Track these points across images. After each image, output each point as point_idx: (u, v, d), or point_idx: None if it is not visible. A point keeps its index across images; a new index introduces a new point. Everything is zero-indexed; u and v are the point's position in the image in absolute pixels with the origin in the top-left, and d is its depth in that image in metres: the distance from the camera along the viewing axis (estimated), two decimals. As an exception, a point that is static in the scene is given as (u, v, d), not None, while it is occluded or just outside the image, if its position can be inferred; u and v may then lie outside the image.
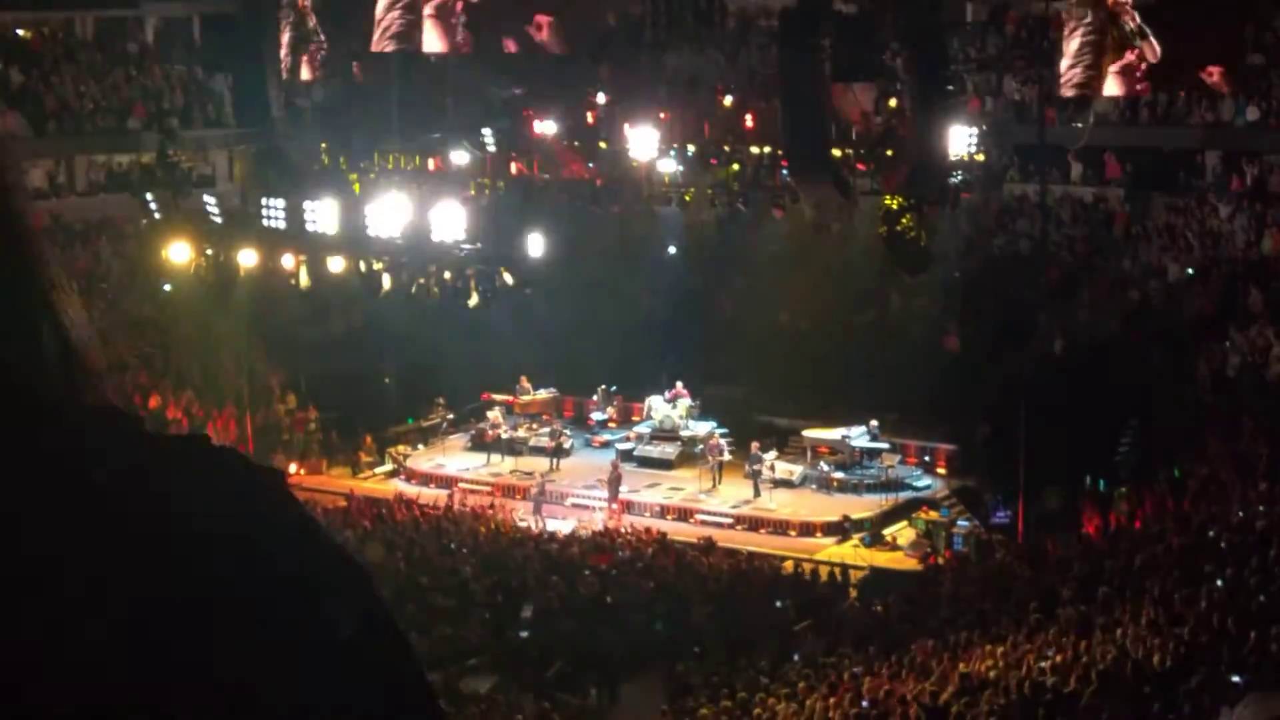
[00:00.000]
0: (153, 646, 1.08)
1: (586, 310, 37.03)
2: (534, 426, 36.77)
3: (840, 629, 24.50)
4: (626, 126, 35.33)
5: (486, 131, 36.51)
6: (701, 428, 35.00)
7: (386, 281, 34.34)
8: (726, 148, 36.13)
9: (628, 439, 35.85)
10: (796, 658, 22.94)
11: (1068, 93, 29.69)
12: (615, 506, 32.67)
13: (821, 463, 33.59)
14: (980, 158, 34.91)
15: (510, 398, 37.84)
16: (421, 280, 33.88)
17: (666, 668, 23.70)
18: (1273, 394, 30.14)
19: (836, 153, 31.36)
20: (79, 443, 1.16)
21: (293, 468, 35.36)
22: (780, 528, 31.60)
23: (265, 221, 34.11)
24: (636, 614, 25.90)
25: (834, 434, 33.80)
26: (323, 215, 33.11)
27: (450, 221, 32.32)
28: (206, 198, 36.89)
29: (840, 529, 31.06)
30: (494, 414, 36.77)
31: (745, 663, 22.86)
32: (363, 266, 34.05)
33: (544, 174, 37.64)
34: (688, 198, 35.86)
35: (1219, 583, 19.01)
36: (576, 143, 37.65)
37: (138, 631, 1.08)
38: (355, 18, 34.25)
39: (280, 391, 37.31)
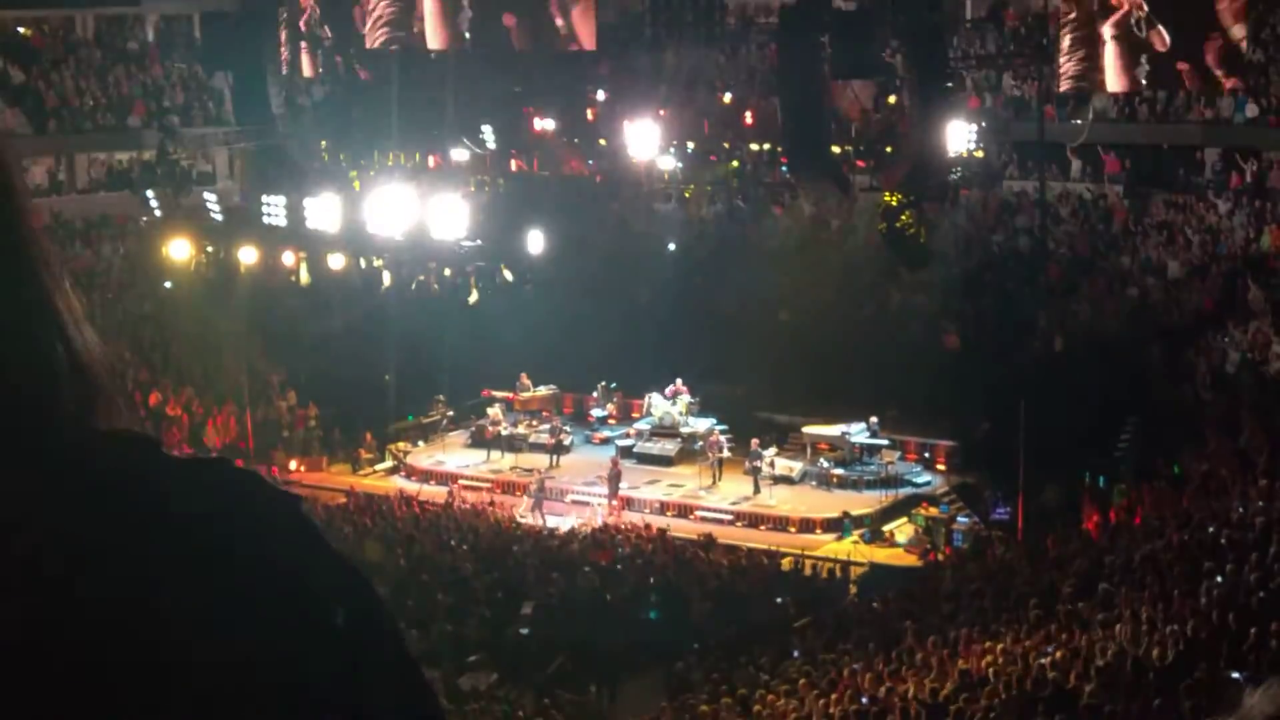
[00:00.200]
0: (165, 666, 1.09)
1: (586, 307, 37.03)
2: (534, 423, 36.76)
3: (840, 625, 24.49)
4: (626, 123, 35.34)
5: (486, 129, 36.51)
6: (701, 424, 35.00)
7: (386, 278, 34.41)
8: (726, 145, 36.18)
9: (628, 435, 35.85)
10: (796, 654, 22.94)
11: (1065, 86, 29.70)
12: (615, 503, 32.68)
13: (821, 459, 33.59)
14: (979, 154, 34.95)
15: (510, 394, 37.83)
16: (421, 277, 33.95)
17: (666, 664, 23.71)
18: (1272, 390, 30.15)
19: (836, 150, 31.41)
20: (92, 471, 1.16)
21: (293, 465, 35.40)
22: (780, 524, 31.60)
23: (265, 219, 34.16)
24: (636, 611, 25.93)
25: (834, 430, 33.80)
26: (323, 212, 33.15)
27: (450, 218, 32.35)
28: (207, 195, 36.94)
29: (839, 525, 31.06)
30: (494, 411, 36.77)
31: (745, 659, 22.86)
32: (363, 263, 34.12)
33: (544, 171, 37.65)
34: (687, 194, 35.92)
35: (1219, 579, 19.01)
36: (576, 140, 37.66)
37: (149, 647, 1.09)
38: (347, 15, 34.32)
39: (280, 388, 37.33)
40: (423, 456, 36.64)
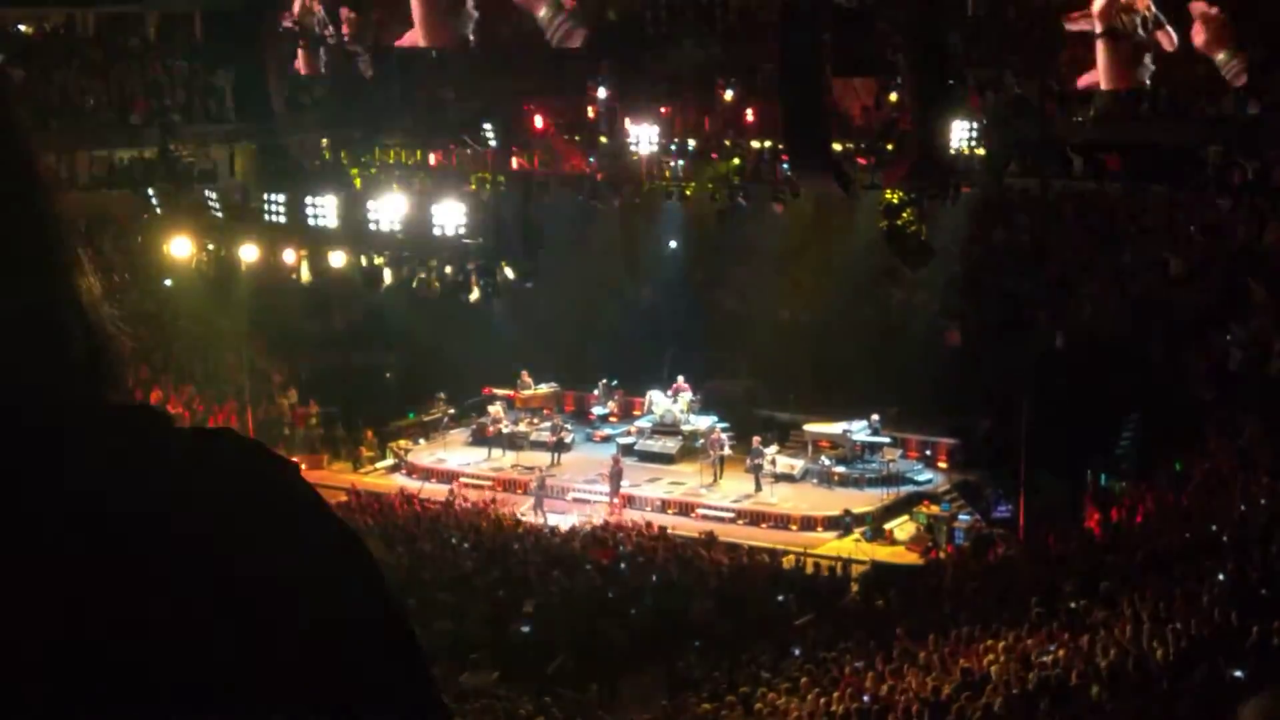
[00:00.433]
0: (177, 642, 1.12)
1: (587, 305, 37.04)
2: (535, 421, 36.77)
3: (841, 624, 24.49)
4: (627, 121, 35.30)
5: (487, 126, 36.48)
6: (702, 422, 35.00)
7: (387, 276, 34.36)
8: (727, 142, 36.11)
9: (629, 433, 35.85)
10: (798, 652, 22.95)
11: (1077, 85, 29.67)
12: (616, 501, 32.68)
13: (823, 457, 33.59)
14: (980, 152, 34.88)
15: (511, 392, 37.84)
16: (422, 275, 33.90)
17: (667, 663, 23.71)
18: (1274, 388, 30.12)
19: (837, 147, 31.35)
20: (106, 442, 1.19)
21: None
22: (781, 522, 31.60)
23: (266, 216, 34.14)
24: (637, 609, 25.93)
25: (835, 428, 33.80)
26: (324, 210, 33.14)
27: (451, 216, 32.33)
28: (208, 193, 36.92)
29: (841, 523, 31.06)
30: (495, 408, 36.77)
31: (746, 657, 22.87)
32: (364, 261, 34.08)
33: (544, 168, 37.62)
34: (688, 192, 35.81)
35: (1220, 577, 19.01)
36: (577, 137, 37.63)
37: (160, 624, 1.12)
38: (358, 12, 34.28)
39: (281, 386, 37.32)
40: (424, 454, 36.65)
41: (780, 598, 26.63)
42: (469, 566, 27.73)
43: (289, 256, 34.81)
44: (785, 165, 32.93)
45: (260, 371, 36.49)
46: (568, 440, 35.91)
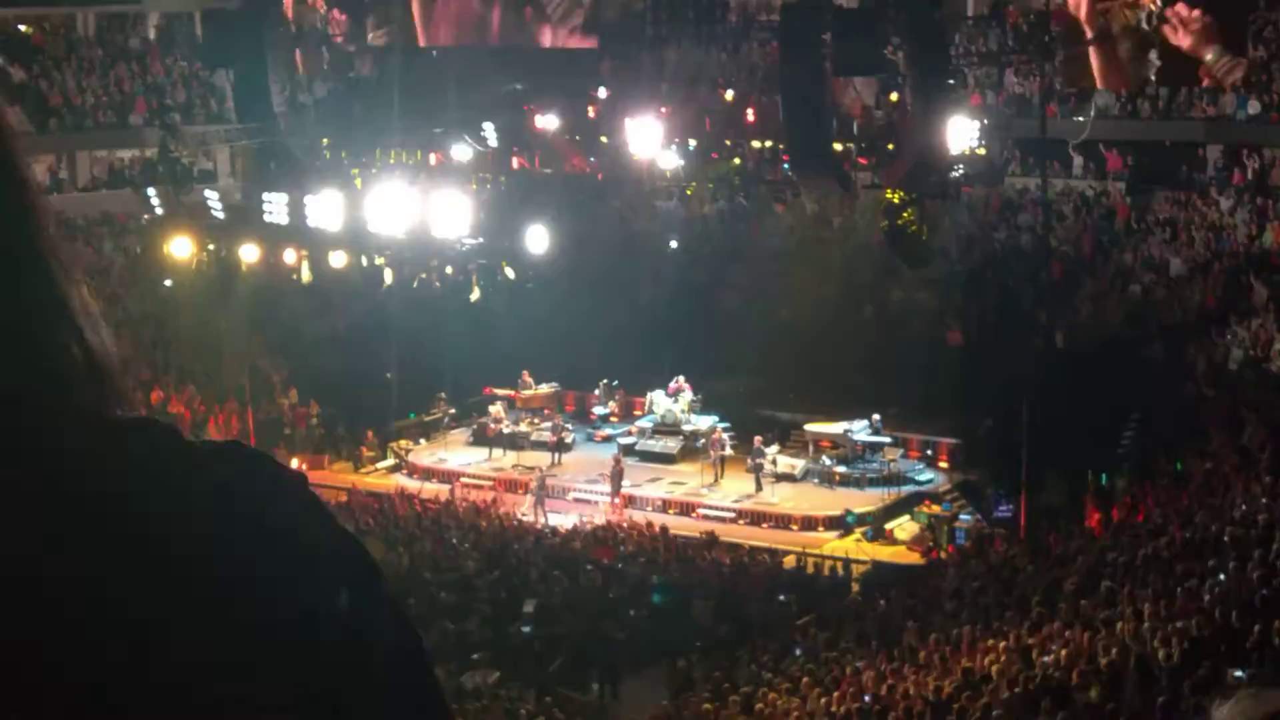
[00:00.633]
0: (174, 647, 1.12)
1: (588, 305, 37.01)
2: (536, 421, 36.76)
3: (842, 623, 24.49)
4: (628, 121, 35.30)
5: (488, 126, 36.49)
6: (703, 422, 35.00)
7: (388, 276, 34.38)
8: (728, 142, 36.12)
9: (629, 433, 35.85)
10: (799, 652, 22.95)
11: (1076, 85, 29.69)
12: (617, 501, 32.68)
13: (824, 457, 33.59)
14: (981, 152, 34.89)
15: (512, 392, 37.83)
16: (423, 275, 33.92)
17: (668, 663, 23.71)
18: (1275, 387, 30.13)
19: (837, 147, 31.37)
20: (110, 455, 1.18)
21: (295, 463, 35.36)
22: (782, 522, 31.60)
23: (267, 217, 34.13)
24: (638, 609, 25.93)
25: (836, 428, 33.79)
26: (324, 210, 33.13)
27: (452, 216, 32.33)
28: (208, 193, 36.91)
29: (842, 523, 31.06)
30: (496, 409, 36.77)
31: (747, 657, 22.87)
32: (364, 261, 34.09)
33: (545, 168, 37.62)
34: (689, 192, 35.89)
35: (1221, 576, 19.00)
36: (578, 137, 37.63)
37: (161, 631, 1.12)
38: (358, 12, 34.30)
39: (282, 386, 37.32)
40: (424, 454, 36.65)
41: (781, 597, 26.62)
42: (470, 567, 27.72)
43: (289, 257, 34.81)
44: (786, 165, 32.93)
45: (261, 371, 36.48)
46: (569, 440, 35.90)
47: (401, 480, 35.53)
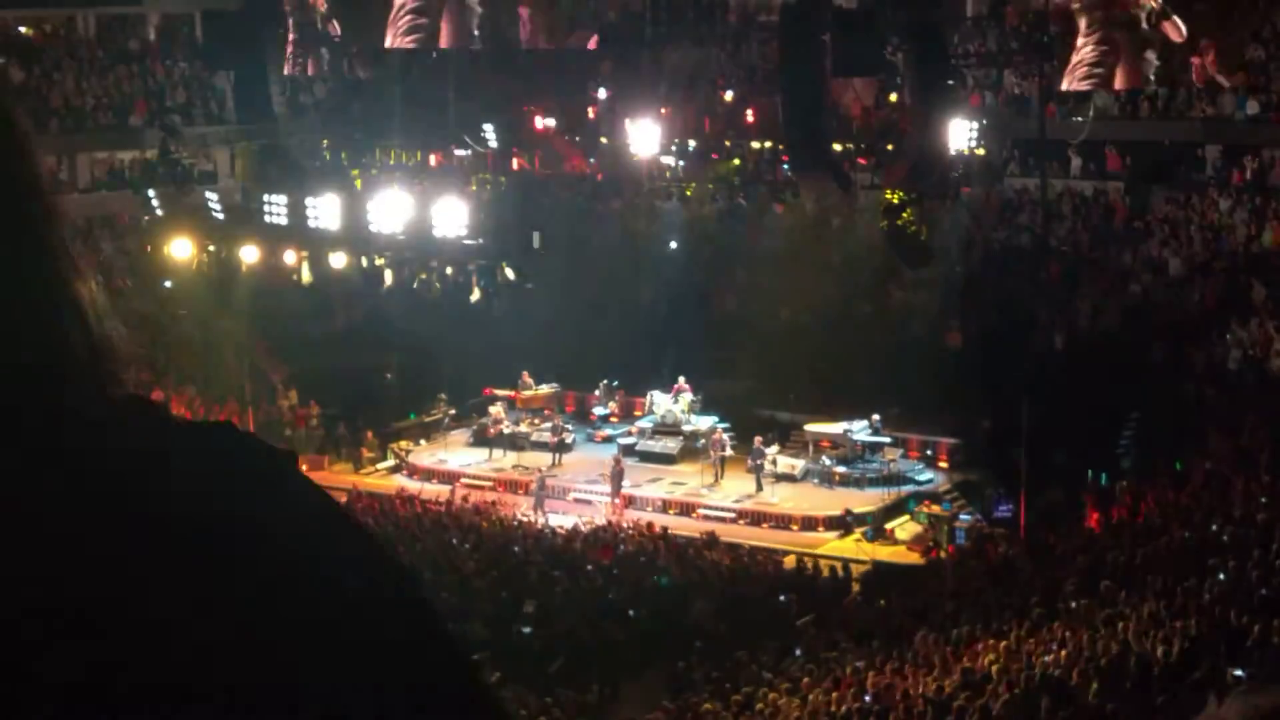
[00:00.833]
0: (176, 624, 1.13)
1: (588, 305, 37.04)
2: (536, 421, 36.76)
3: (842, 623, 24.51)
4: (627, 122, 35.32)
5: (488, 127, 36.52)
6: (703, 422, 35.01)
7: (388, 277, 34.41)
8: (727, 143, 36.12)
9: (630, 434, 35.85)
10: (799, 652, 22.95)
11: (1078, 86, 29.65)
12: (617, 501, 32.69)
13: (823, 457, 33.60)
14: (980, 152, 34.91)
15: (512, 393, 37.84)
16: (423, 276, 33.95)
17: (668, 663, 23.71)
18: (1274, 387, 30.14)
19: (837, 147, 31.40)
20: (106, 436, 1.21)
21: (295, 464, 35.36)
22: (782, 522, 31.61)
23: (267, 218, 34.19)
24: (638, 609, 25.94)
25: (836, 428, 33.80)
26: (324, 211, 33.17)
27: (451, 217, 32.35)
28: (208, 194, 36.96)
29: (842, 523, 31.07)
30: (496, 409, 36.77)
31: (747, 658, 22.88)
32: (364, 262, 34.14)
33: (545, 169, 37.64)
34: (689, 193, 35.86)
35: (1221, 576, 19.03)
36: (577, 138, 37.65)
37: (161, 607, 1.13)
38: (359, 13, 34.29)
39: (282, 387, 37.33)
40: (425, 455, 36.65)
41: (781, 598, 26.63)
42: (470, 568, 27.73)
43: (290, 257, 34.84)
44: (785, 165, 32.96)
45: (261, 373, 36.49)
46: (569, 441, 35.90)
47: (402, 481, 35.53)
